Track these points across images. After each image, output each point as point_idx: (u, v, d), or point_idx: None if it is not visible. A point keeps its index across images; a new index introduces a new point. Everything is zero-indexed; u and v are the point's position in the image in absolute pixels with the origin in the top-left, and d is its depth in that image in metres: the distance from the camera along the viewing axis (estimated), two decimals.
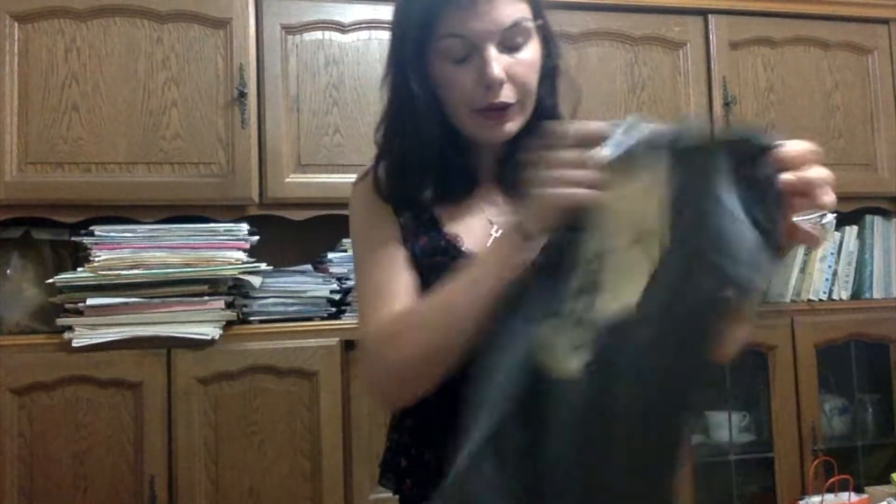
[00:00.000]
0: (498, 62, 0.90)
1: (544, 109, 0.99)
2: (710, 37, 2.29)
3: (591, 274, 0.77)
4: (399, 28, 0.95)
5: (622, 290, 0.74)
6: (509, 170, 0.98)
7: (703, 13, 2.30)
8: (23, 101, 1.86)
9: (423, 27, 0.90)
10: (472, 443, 0.77)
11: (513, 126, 0.95)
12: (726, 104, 2.27)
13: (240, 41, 1.97)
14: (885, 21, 2.43)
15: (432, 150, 0.95)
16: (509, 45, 0.92)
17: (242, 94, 1.94)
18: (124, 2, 1.92)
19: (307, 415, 1.86)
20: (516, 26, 0.91)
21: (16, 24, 1.87)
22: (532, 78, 0.95)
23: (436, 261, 0.94)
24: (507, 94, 0.92)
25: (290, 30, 2.00)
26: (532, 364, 0.79)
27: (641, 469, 0.71)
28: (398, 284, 0.94)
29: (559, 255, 0.82)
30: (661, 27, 2.26)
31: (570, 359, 0.76)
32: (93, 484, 1.76)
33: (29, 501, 1.74)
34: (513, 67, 0.92)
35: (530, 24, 0.93)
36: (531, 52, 0.94)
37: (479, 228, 0.98)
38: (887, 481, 1.91)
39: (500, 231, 0.93)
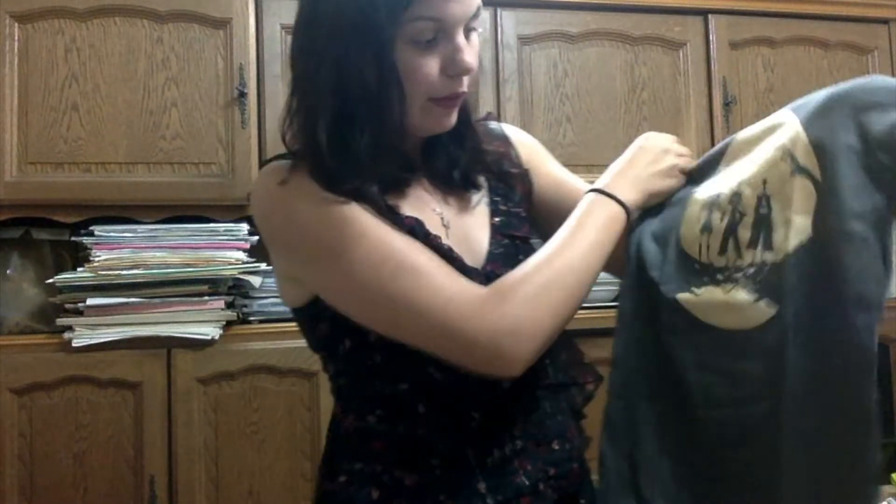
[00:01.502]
0: (467, 49, 0.85)
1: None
2: (710, 37, 2.29)
3: (761, 219, 0.83)
4: (357, 7, 0.82)
5: (792, 219, 0.81)
6: (439, 157, 0.95)
7: (703, 13, 2.29)
8: (23, 101, 1.86)
9: (396, 7, 0.81)
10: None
11: (455, 115, 0.91)
12: (726, 104, 2.27)
13: (240, 41, 1.97)
14: (885, 21, 2.42)
15: (394, 141, 0.88)
16: (467, 32, 0.86)
17: (242, 94, 1.94)
18: (124, 2, 1.92)
19: (307, 415, 1.86)
20: (478, 11, 0.86)
21: (16, 24, 1.87)
22: None
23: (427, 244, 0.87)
24: (465, 83, 0.88)
25: (290, 30, 1.99)
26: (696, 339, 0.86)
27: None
28: (428, 254, 0.84)
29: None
30: (661, 27, 2.26)
31: (755, 310, 0.82)
32: (93, 484, 1.76)
33: (29, 501, 1.74)
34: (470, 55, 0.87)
35: (481, 10, 0.88)
36: (477, 38, 0.89)
37: (430, 218, 0.91)
38: (887, 481, 1.91)
39: (598, 198, 0.92)
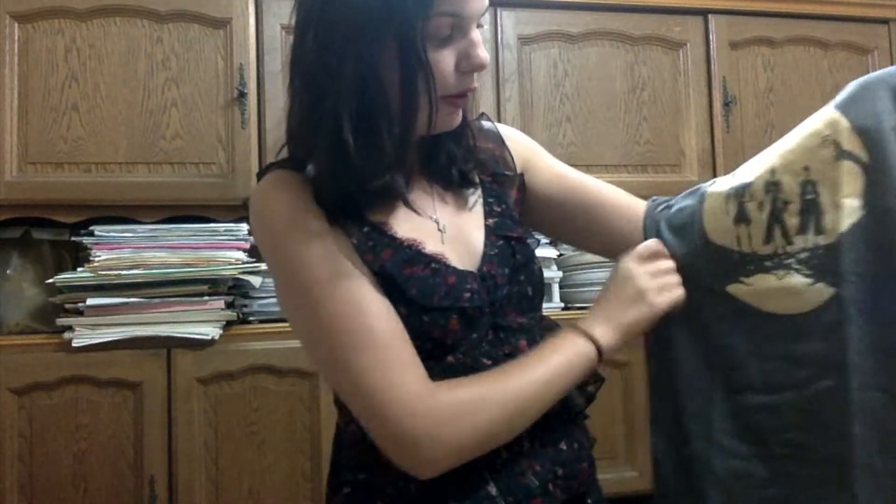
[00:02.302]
0: (481, 45, 0.85)
1: None
2: (710, 37, 2.29)
3: (809, 204, 0.86)
4: (383, 2, 0.80)
5: (841, 202, 0.84)
6: (439, 154, 0.94)
7: (703, 13, 2.30)
8: (23, 101, 1.86)
9: (424, 3, 0.80)
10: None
11: (461, 113, 0.90)
12: (726, 104, 2.27)
13: (240, 41, 1.97)
14: (885, 21, 2.43)
15: (414, 138, 0.86)
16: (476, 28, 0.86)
17: (242, 94, 1.94)
18: (124, 2, 1.92)
19: (307, 415, 1.86)
20: (487, 9, 0.86)
21: (16, 24, 1.87)
22: None
23: (413, 273, 0.85)
24: (475, 80, 0.88)
25: (290, 30, 2.00)
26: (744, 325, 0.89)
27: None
28: (394, 331, 0.83)
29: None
30: (661, 27, 2.26)
31: (813, 293, 0.85)
32: (93, 484, 1.76)
33: (29, 501, 1.74)
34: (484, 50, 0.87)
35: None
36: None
37: (425, 227, 0.90)
38: None
39: (573, 333, 0.89)
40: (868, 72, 2.52)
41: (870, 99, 0.85)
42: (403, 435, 0.80)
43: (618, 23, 2.24)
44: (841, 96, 0.87)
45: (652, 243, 0.94)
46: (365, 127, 0.84)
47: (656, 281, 0.91)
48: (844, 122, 0.85)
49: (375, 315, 0.82)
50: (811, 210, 0.86)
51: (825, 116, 0.86)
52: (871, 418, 0.81)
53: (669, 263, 0.93)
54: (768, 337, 0.88)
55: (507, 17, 2.17)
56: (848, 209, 0.83)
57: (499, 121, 2.16)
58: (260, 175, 0.92)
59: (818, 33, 2.38)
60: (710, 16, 2.30)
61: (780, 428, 0.87)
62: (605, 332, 0.88)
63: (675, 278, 0.93)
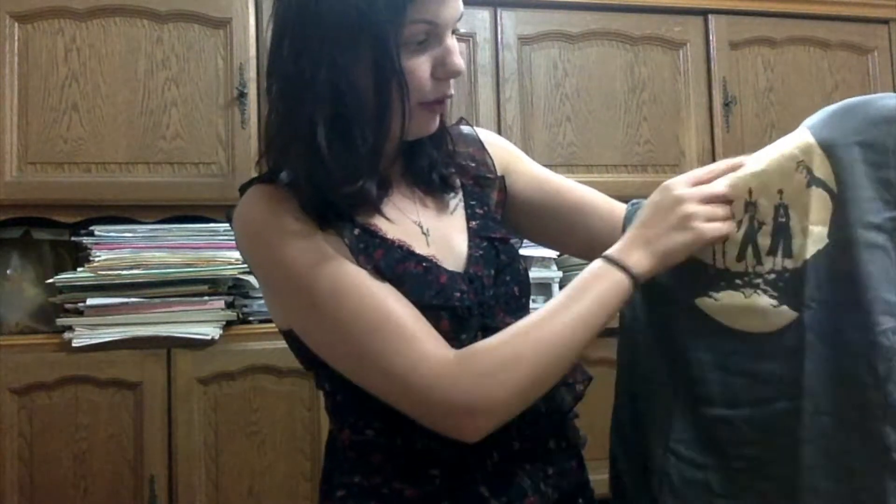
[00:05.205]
0: (457, 51, 0.85)
1: None
2: (710, 37, 2.29)
3: (780, 227, 0.86)
4: (357, 10, 0.80)
5: (809, 228, 0.84)
6: (419, 159, 0.94)
7: (703, 13, 2.30)
8: (23, 101, 1.86)
9: (397, 9, 0.80)
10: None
11: (439, 119, 0.91)
12: (726, 104, 2.27)
13: (240, 41, 1.97)
14: (885, 21, 2.42)
15: (387, 144, 0.87)
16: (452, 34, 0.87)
17: (242, 94, 1.94)
18: (124, 2, 1.92)
19: (307, 415, 1.86)
20: (462, 15, 0.86)
21: (16, 24, 1.87)
22: None
23: (405, 269, 0.86)
24: (452, 86, 0.88)
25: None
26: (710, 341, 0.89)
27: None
28: (405, 307, 0.83)
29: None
30: (661, 27, 2.26)
31: (777, 315, 0.85)
32: (93, 484, 1.76)
33: (29, 501, 1.74)
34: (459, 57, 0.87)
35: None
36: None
37: (410, 230, 0.91)
38: None
39: (604, 266, 0.85)
40: (868, 72, 2.53)
41: (844, 126, 0.85)
42: (440, 405, 0.79)
43: (618, 23, 2.24)
44: (815, 119, 0.87)
45: (704, 170, 0.90)
46: (339, 133, 0.84)
47: (706, 207, 0.86)
48: (817, 148, 0.85)
49: (384, 297, 0.82)
50: (781, 233, 0.86)
51: (800, 139, 0.87)
52: (821, 442, 0.82)
53: (722, 189, 0.88)
54: (733, 353, 0.88)
55: (507, 17, 2.17)
56: (815, 236, 0.84)
57: (498, 121, 2.18)
58: (242, 190, 0.91)
59: (818, 33, 2.38)
60: (710, 16, 2.29)
61: (737, 442, 0.87)
62: (640, 259, 0.85)
63: (726, 210, 0.88)
